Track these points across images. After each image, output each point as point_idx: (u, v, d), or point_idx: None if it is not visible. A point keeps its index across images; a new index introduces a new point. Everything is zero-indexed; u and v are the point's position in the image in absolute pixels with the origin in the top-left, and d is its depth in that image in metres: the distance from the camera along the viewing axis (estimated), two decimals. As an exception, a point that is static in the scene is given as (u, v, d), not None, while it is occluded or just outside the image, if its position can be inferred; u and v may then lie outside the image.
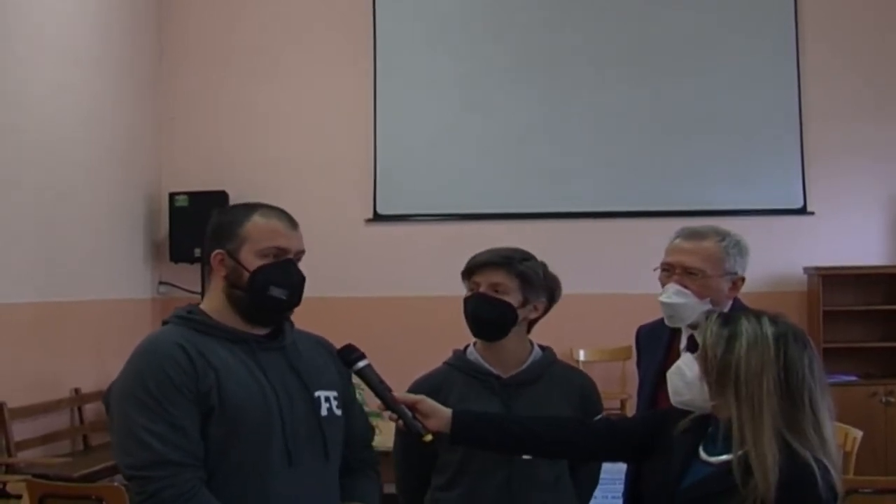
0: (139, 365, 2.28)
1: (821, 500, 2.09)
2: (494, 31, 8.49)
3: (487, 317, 2.86)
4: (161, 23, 8.69)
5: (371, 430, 2.73)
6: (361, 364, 2.49)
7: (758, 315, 2.25)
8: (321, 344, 2.58)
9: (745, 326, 2.21)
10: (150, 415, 2.21)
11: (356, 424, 2.59)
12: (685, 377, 2.32)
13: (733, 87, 8.24)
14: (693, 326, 2.79)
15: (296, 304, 2.44)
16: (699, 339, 2.28)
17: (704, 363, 2.24)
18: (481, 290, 2.86)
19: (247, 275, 2.37)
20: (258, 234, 2.39)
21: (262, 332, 2.42)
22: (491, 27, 8.51)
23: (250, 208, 2.45)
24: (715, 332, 2.23)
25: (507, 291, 2.84)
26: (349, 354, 2.50)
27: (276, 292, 2.38)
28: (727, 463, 2.17)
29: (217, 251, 2.40)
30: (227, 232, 2.41)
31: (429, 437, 2.48)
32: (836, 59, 8.24)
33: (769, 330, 2.20)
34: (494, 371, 2.90)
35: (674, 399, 2.37)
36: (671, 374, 2.37)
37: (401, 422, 2.49)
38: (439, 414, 2.53)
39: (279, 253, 2.40)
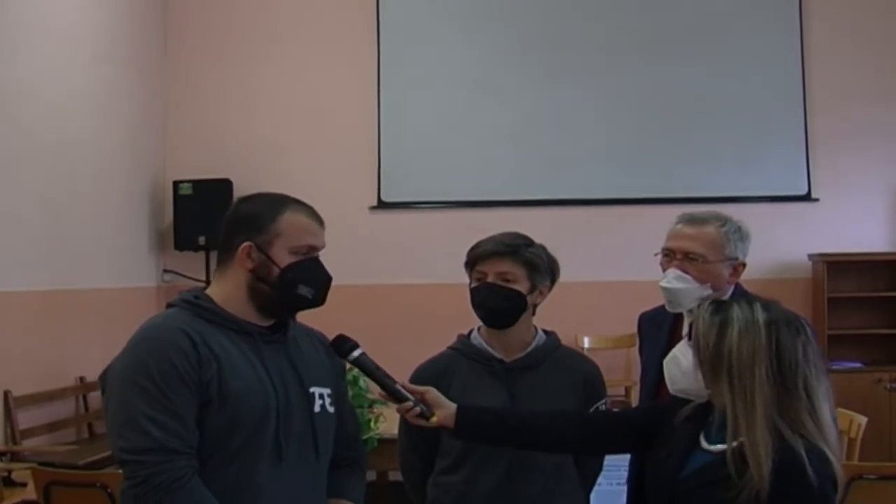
0: (142, 351, 2.27)
1: (812, 489, 2.07)
2: (499, 17, 8.47)
3: (499, 307, 2.86)
4: (166, 10, 8.68)
5: (360, 429, 2.74)
6: (356, 353, 2.49)
7: (750, 301, 2.24)
8: (318, 339, 2.58)
9: (737, 313, 2.20)
10: (150, 402, 2.19)
11: (346, 422, 2.59)
12: (681, 365, 2.31)
13: (737, 72, 8.21)
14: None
15: (320, 304, 2.44)
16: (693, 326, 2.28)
17: (698, 352, 2.23)
18: (489, 280, 2.86)
19: (277, 270, 2.36)
20: (292, 231, 2.38)
21: (266, 323, 2.42)
22: (496, 12, 8.48)
23: (280, 202, 2.43)
24: (707, 319, 2.23)
25: (515, 279, 2.85)
26: (342, 345, 2.50)
27: (304, 290, 2.38)
28: (725, 452, 2.17)
29: (246, 243, 2.38)
30: (257, 224, 2.38)
31: (434, 419, 2.49)
32: (840, 43, 8.21)
33: (761, 316, 2.19)
34: (498, 356, 2.91)
35: (671, 388, 2.36)
36: (667, 363, 2.37)
37: (407, 404, 2.49)
38: (444, 406, 2.54)
39: (309, 251, 2.40)
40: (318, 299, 2.43)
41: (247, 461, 2.27)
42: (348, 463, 2.59)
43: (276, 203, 2.43)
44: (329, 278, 2.45)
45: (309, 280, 2.39)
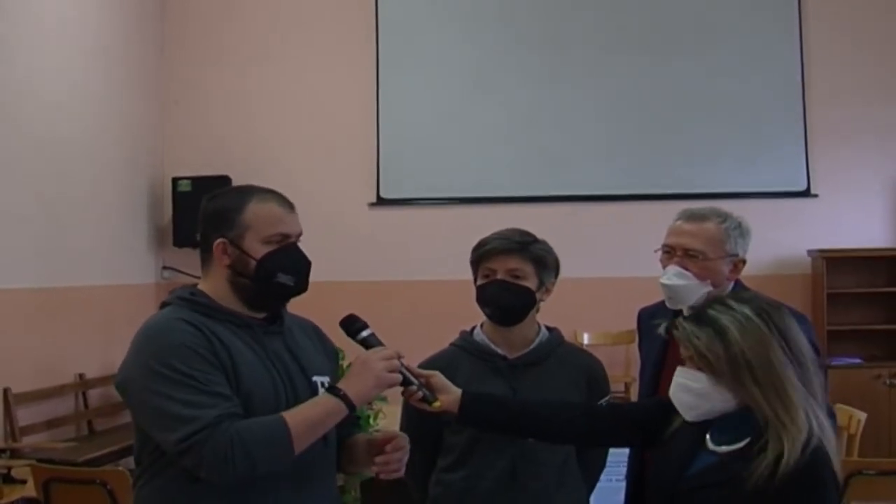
0: (153, 345, 2.25)
1: (833, 476, 2.09)
2: (498, 14, 8.48)
3: (510, 304, 2.85)
4: (164, 8, 8.68)
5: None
6: (365, 333, 2.46)
7: (722, 302, 2.23)
8: (312, 328, 2.58)
9: (723, 318, 2.17)
10: (180, 387, 2.18)
11: None
12: (693, 389, 2.22)
13: (736, 70, 8.23)
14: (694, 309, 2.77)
15: (303, 290, 2.43)
16: (686, 350, 2.22)
17: (711, 368, 2.18)
18: (499, 276, 2.84)
19: (253, 263, 2.35)
20: (260, 222, 2.37)
21: (260, 315, 2.42)
22: (495, 11, 8.49)
23: (246, 193, 2.42)
24: (700, 334, 2.19)
25: (525, 276, 2.84)
26: (352, 325, 2.47)
27: (284, 279, 2.37)
28: (732, 453, 2.16)
29: (219, 240, 2.37)
30: (226, 219, 2.38)
31: (437, 404, 2.47)
32: (838, 39, 8.22)
33: (745, 309, 2.18)
34: (501, 352, 2.90)
35: (689, 415, 2.26)
36: (675, 394, 2.27)
37: (411, 388, 2.47)
38: (449, 391, 2.52)
39: (283, 239, 2.38)
40: (300, 285, 2.41)
41: None
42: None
43: (242, 195, 2.42)
44: (308, 263, 2.42)
45: (286, 267, 2.38)
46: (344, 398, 2.26)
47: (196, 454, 2.15)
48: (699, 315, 2.23)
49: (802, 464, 2.05)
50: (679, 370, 2.28)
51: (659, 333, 2.41)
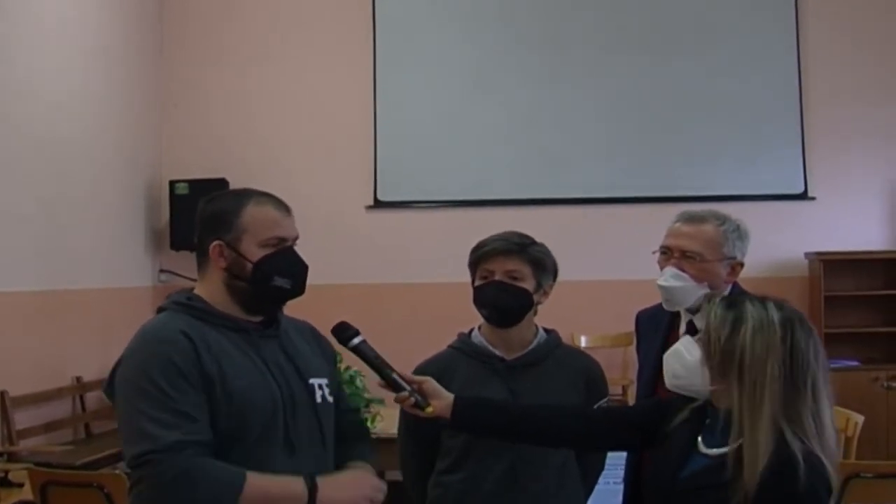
0: (141, 355, 2.26)
1: (799, 494, 2.05)
2: (498, 14, 8.46)
3: (507, 305, 2.86)
4: (162, 9, 8.67)
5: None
6: (356, 340, 2.48)
7: (762, 300, 2.23)
8: (309, 330, 2.59)
9: (751, 311, 2.18)
10: (153, 404, 2.19)
11: (343, 398, 2.63)
12: (685, 360, 2.28)
13: (733, 71, 8.21)
14: (692, 311, 2.77)
15: (299, 293, 2.43)
16: (701, 323, 2.25)
17: (707, 347, 2.20)
18: (496, 277, 2.85)
19: (250, 266, 2.36)
20: (257, 225, 2.37)
21: (257, 319, 2.42)
22: (494, 11, 8.47)
23: (242, 196, 2.43)
24: (720, 315, 2.20)
25: (522, 278, 2.85)
26: (343, 332, 2.49)
27: (280, 282, 2.38)
28: (723, 456, 2.16)
29: (215, 242, 2.38)
30: (223, 222, 2.38)
31: (430, 410, 2.48)
32: (837, 43, 8.21)
33: (775, 315, 2.17)
34: (498, 354, 2.91)
35: (670, 382, 2.33)
36: (669, 357, 2.34)
37: (402, 394, 2.47)
38: (442, 397, 2.53)
39: (279, 242, 2.39)
40: (297, 289, 2.42)
41: (261, 458, 2.27)
42: (353, 432, 2.60)
43: (239, 199, 2.43)
44: (304, 266, 2.43)
45: (283, 271, 2.38)
46: (312, 493, 2.25)
47: (146, 471, 2.16)
48: (734, 300, 2.25)
49: (789, 472, 2.04)
50: (685, 337, 2.30)
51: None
